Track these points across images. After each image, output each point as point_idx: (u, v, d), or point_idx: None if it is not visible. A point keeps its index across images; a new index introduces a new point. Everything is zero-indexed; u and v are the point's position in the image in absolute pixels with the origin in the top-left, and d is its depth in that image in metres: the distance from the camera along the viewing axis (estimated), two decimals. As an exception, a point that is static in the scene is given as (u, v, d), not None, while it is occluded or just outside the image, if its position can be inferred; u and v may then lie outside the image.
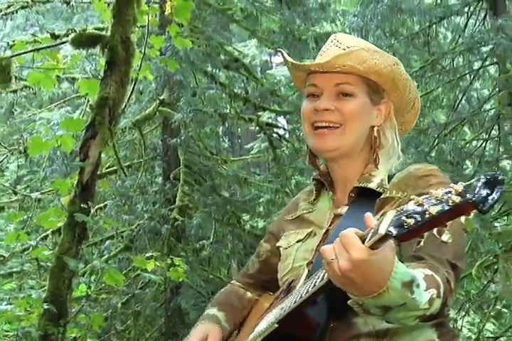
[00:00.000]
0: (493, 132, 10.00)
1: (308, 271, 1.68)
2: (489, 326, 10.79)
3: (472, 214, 1.12)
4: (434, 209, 1.12)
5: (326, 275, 1.40)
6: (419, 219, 1.14)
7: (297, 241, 1.82)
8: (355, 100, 1.72)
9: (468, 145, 9.98)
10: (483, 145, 9.98)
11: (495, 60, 9.75)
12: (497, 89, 9.89)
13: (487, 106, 10.42)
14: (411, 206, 1.17)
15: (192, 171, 9.82)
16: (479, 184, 1.10)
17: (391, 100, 1.79)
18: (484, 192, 1.08)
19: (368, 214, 1.30)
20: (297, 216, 1.90)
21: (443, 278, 1.46)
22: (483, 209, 1.08)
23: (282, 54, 1.84)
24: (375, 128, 1.77)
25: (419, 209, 1.14)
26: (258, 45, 11.59)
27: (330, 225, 1.77)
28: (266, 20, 11.61)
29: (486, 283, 9.38)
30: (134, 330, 9.46)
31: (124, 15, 4.14)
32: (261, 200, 10.78)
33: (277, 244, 1.92)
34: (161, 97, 9.79)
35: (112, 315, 8.99)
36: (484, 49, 9.85)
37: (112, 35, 4.14)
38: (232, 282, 2.09)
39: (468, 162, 10.24)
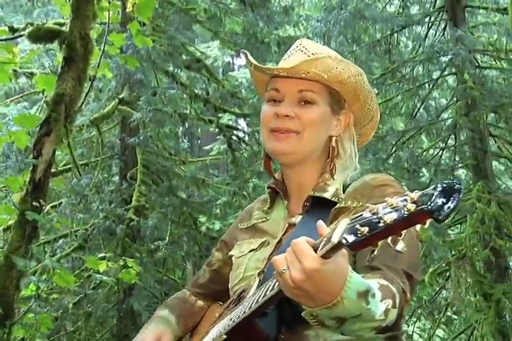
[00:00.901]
0: (450, 141, 10.15)
1: (260, 280, 1.65)
2: (439, 332, 10.93)
3: (428, 223, 1.09)
4: (388, 218, 1.09)
5: (277, 285, 1.36)
6: (373, 227, 1.11)
7: (250, 251, 1.78)
8: (316, 108, 1.70)
9: (425, 153, 10.11)
10: (440, 153, 10.13)
11: (453, 70, 9.90)
12: (455, 99, 10.04)
13: (444, 116, 10.57)
14: (365, 214, 1.14)
15: (149, 171, 9.74)
16: (435, 192, 1.07)
17: (351, 111, 1.77)
18: (440, 201, 1.06)
19: (320, 223, 1.27)
20: (251, 225, 1.87)
21: (398, 288, 1.43)
22: (438, 218, 1.05)
23: (246, 55, 1.80)
24: (334, 138, 1.75)
25: (373, 217, 1.12)
26: (221, 46, 11.56)
27: (284, 235, 1.74)
28: (229, 22, 11.59)
29: (437, 289, 9.51)
30: (84, 331, 9.32)
31: (83, 11, 4.06)
32: (218, 202, 10.74)
33: (230, 253, 1.88)
34: (121, 96, 9.68)
35: (63, 316, 8.84)
36: (443, 59, 9.99)
37: (71, 30, 4.06)
38: (183, 290, 2.03)
39: (424, 170, 10.37)
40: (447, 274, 9.12)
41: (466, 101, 9.34)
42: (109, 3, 4.66)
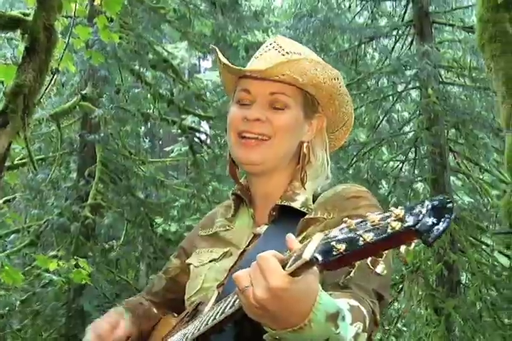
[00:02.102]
0: (410, 154, 10.24)
1: (219, 293, 1.54)
2: (389, 344, 10.99)
3: (413, 245, 0.97)
4: (369, 236, 0.96)
5: (238, 302, 1.24)
6: (351, 245, 0.98)
7: (210, 261, 1.66)
8: (288, 112, 1.59)
9: (385, 165, 10.17)
10: (400, 166, 10.21)
11: (418, 84, 10.00)
12: (417, 113, 10.14)
13: (406, 129, 10.67)
14: (342, 230, 1.02)
15: (108, 169, 9.60)
16: (424, 210, 0.94)
17: (325, 115, 1.66)
18: (430, 221, 0.93)
19: (290, 236, 1.14)
20: (213, 232, 1.74)
21: (368, 309, 1.32)
22: (427, 240, 0.92)
23: (217, 53, 1.69)
24: (305, 144, 1.64)
25: (351, 234, 0.99)
26: (188, 47, 11.48)
27: (248, 245, 1.62)
28: (198, 24, 11.52)
29: (390, 301, 9.55)
30: (31, 330, 9.12)
31: (48, 1, 3.95)
32: (176, 204, 10.65)
33: (187, 261, 1.75)
34: (84, 92, 9.54)
35: (9, 313, 8.64)
36: (409, 72, 10.08)
37: (34, 20, 3.94)
38: (139, 294, 1.91)
39: (383, 182, 10.43)
40: (400, 286, 9.18)
41: (429, 116, 9.44)
42: (76, -6, 4.56)
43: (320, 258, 1.01)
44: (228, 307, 1.29)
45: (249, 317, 1.19)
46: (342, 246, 0.99)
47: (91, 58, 5.37)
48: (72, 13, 4.80)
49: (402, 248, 0.97)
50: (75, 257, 6.04)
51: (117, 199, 9.44)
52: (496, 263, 9.12)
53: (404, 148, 10.10)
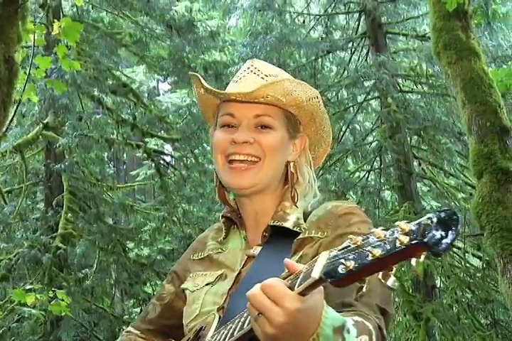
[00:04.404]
0: (375, 163, 10.35)
1: (220, 317, 1.52)
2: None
3: (423, 257, 1.00)
4: (378, 251, 0.99)
5: (246, 324, 1.26)
6: (360, 261, 1.01)
7: (206, 284, 1.64)
8: (274, 133, 1.60)
9: (351, 175, 10.26)
10: (366, 176, 10.31)
11: (377, 94, 10.14)
12: (379, 122, 10.27)
13: (370, 139, 10.78)
14: (349, 247, 1.05)
15: (76, 198, 9.52)
16: (432, 223, 0.98)
17: (306, 134, 1.68)
18: (438, 234, 0.96)
19: (288, 261, 1.19)
20: (205, 256, 1.72)
21: (374, 325, 1.34)
22: (438, 253, 0.96)
23: (198, 78, 1.64)
24: (292, 164, 1.65)
25: (360, 250, 1.02)
26: (146, 70, 11.49)
27: (243, 267, 1.61)
28: (155, 47, 11.55)
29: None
30: (8, 366, 8.94)
31: (7, 33, 3.93)
32: (147, 228, 10.58)
33: (183, 286, 1.72)
34: (45, 121, 9.48)
35: (-15, 351, 8.48)
36: (367, 83, 10.23)
37: (-5, 53, 3.93)
38: (128, 329, 1.84)
39: (351, 192, 10.51)
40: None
41: (390, 124, 9.58)
42: (34, 25, 4.55)
43: (330, 275, 1.03)
44: (237, 330, 1.30)
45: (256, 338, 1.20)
46: (351, 263, 1.01)
47: (52, 87, 5.34)
48: (30, 43, 4.79)
49: (413, 260, 1.00)
50: (53, 289, 5.95)
51: (88, 227, 9.35)
52: (468, 265, 9.24)
53: (369, 158, 10.20)
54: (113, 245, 9.47)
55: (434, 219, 0.98)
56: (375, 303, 1.40)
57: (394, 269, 1.02)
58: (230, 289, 1.57)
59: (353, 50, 11.00)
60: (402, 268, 8.90)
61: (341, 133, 10.56)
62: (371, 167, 10.30)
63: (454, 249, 9.57)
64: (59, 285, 8.16)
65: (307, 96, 1.61)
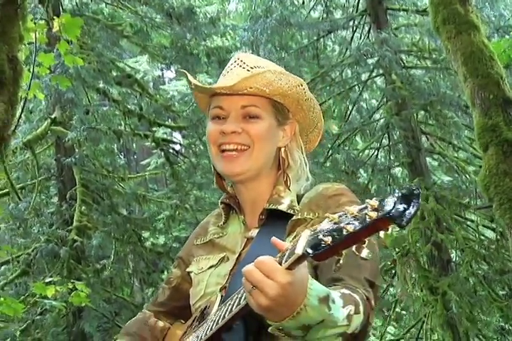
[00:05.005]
0: (384, 141, 10.36)
1: (222, 296, 1.63)
2: (390, 329, 11.10)
3: (390, 229, 1.10)
4: (351, 226, 1.10)
5: (243, 299, 1.37)
6: (336, 236, 1.11)
7: (210, 267, 1.76)
8: (261, 122, 1.70)
9: (360, 154, 10.28)
10: (375, 153, 10.32)
11: (381, 71, 10.12)
12: (385, 100, 10.26)
13: (376, 116, 10.77)
14: (327, 224, 1.15)
15: (89, 190, 9.60)
16: (395, 199, 1.08)
17: (296, 120, 1.78)
18: (401, 207, 1.07)
19: (275, 239, 1.29)
20: (207, 240, 1.84)
21: (362, 296, 1.45)
22: (401, 224, 1.06)
23: (186, 76, 1.78)
24: (282, 149, 1.76)
25: (335, 226, 1.13)
26: (150, 60, 11.51)
27: (243, 249, 1.72)
28: (156, 36, 11.56)
29: (385, 287, 9.66)
30: (34, 358, 9.09)
31: (9, 33, 3.98)
32: (161, 217, 10.68)
33: (188, 270, 1.85)
34: (53, 116, 9.54)
35: (11, 344, 8.62)
36: (370, 61, 10.20)
37: (-2, 53, 3.99)
38: (143, 310, 1.98)
39: (361, 170, 10.54)
40: (393, 271, 9.29)
41: (396, 101, 9.56)
42: (34, 23, 4.59)
43: (310, 251, 1.14)
44: (235, 305, 1.41)
45: (255, 315, 1.32)
46: (329, 239, 1.12)
47: (57, 83, 5.39)
48: (32, 41, 4.84)
49: (381, 233, 1.11)
50: (72, 281, 6.06)
51: (102, 218, 9.45)
52: (482, 237, 9.27)
53: (377, 136, 10.20)
54: (128, 235, 9.57)
55: (398, 195, 1.08)
56: (363, 277, 1.52)
57: (366, 242, 1.13)
58: (231, 270, 1.68)
59: (354, 28, 10.96)
60: (418, 244, 8.96)
61: (348, 112, 10.57)
62: (380, 144, 10.30)
63: (468, 222, 9.61)
64: (78, 277, 8.27)
65: (290, 85, 1.70)
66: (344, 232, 1.11)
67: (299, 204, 1.70)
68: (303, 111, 1.78)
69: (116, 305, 9.41)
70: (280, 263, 1.24)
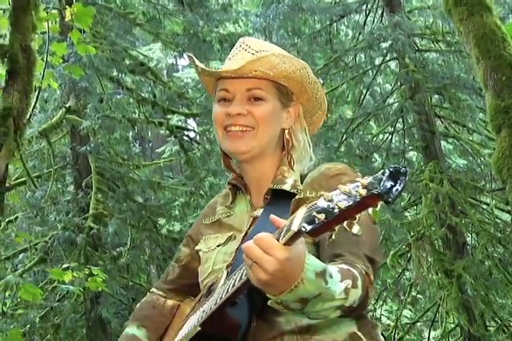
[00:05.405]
0: (398, 125, 10.33)
1: (228, 273, 1.68)
2: (406, 312, 11.14)
3: (379, 206, 1.16)
4: (343, 204, 1.16)
5: (244, 275, 1.42)
6: (329, 213, 1.17)
7: (218, 246, 1.83)
8: (266, 104, 1.76)
9: (375, 138, 10.26)
10: (389, 138, 10.30)
11: (394, 55, 10.07)
12: (399, 84, 10.22)
13: (390, 100, 10.74)
14: (321, 202, 1.20)
15: (104, 178, 9.68)
16: (384, 177, 1.14)
17: (300, 102, 1.83)
18: (388, 184, 1.13)
19: (273, 217, 1.34)
20: (215, 220, 1.90)
21: (360, 271, 1.50)
22: (388, 200, 1.12)
23: (193, 60, 1.84)
24: (286, 131, 1.81)
25: (329, 204, 1.18)
26: (163, 48, 11.52)
27: (249, 228, 1.79)
28: (169, 23, 11.57)
29: (400, 271, 9.69)
30: (54, 344, 9.22)
31: (22, 23, 4.02)
32: (176, 204, 10.74)
33: (196, 248, 1.91)
34: (67, 105, 9.60)
35: (31, 330, 8.74)
36: (384, 45, 10.16)
37: (11, 43, 4.02)
38: (151, 290, 2.05)
39: (376, 155, 10.53)
40: (408, 255, 9.31)
41: (410, 85, 9.53)
42: (47, 13, 4.63)
43: (306, 227, 1.20)
44: (237, 280, 1.48)
45: (258, 290, 1.39)
46: (322, 215, 1.18)
47: (71, 72, 5.44)
48: (45, 31, 4.88)
49: (370, 210, 1.17)
50: (88, 266, 6.14)
51: (118, 206, 9.52)
52: (497, 220, 9.25)
53: (391, 120, 10.18)
54: (144, 222, 9.65)
55: (386, 173, 1.15)
56: (362, 253, 1.58)
57: (357, 218, 1.19)
58: (237, 248, 1.74)
59: (367, 12, 10.89)
60: (432, 228, 8.96)
61: (362, 96, 10.54)
62: (394, 128, 10.28)
63: (483, 205, 9.59)
64: (95, 264, 8.34)
65: (294, 68, 1.76)
66: (336, 209, 1.17)
67: (302, 183, 1.76)
68: (307, 93, 1.82)
69: (133, 291, 9.51)
70: (278, 240, 1.30)
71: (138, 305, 2.03)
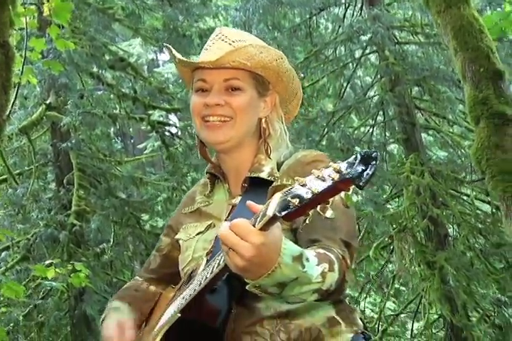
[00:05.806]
0: (379, 117, 10.38)
1: (207, 260, 1.70)
2: (389, 304, 11.21)
3: (351, 190, 1.19)
4: (316, 188, 1.18)
5: (222, 261, 1.44)
6: (302, 198, 1.20)
7: (197, 234, 1.85)
8: (243, 94, 1.78)
9: (356, 131, 10.30)
10: (370, 130, 10.34)
11: (374, 48, 10.11)
12: (379, 76, 10.26)
13: (371, 93, 10.78)
14: (296, 187, 1.23)
15: (86, 175, 9.63)
16: (355, 161, 1.17)
17: (276, 91, 1.85)
18: (360, 168, 1.15)
19: (250, 203, 1.36)
20: (195, 209, 1.92)
21: (337, 255, 1.53)
22: (359, 185, 1.15)
23: (170, 50, 1.86)
24: (263, 120, 1.83)
25: (302, 189, 1.21)
26: (143, 43, 11.48)
27: (228, 216, 1.80)
28: (148, 18, 11.51)
29: (383, 263, 9.75)
30: (38, 342, 9.18)
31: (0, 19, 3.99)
32: (159, 199, 10.72)
33: (176, 237, 1.93)
34: (47, 101, 9.54)
35: (14, 329, 8.70)
36: (363, 38, 10.19)
37: (-12, 39, 3.99)
38: (135, 278, 2.07)
39: (357, 148, 10.55)
40: (391, 247, 9.37)
41: (390, 77, 9.57)
42: (24, 8, 4.59)
43: (280, 212, 1.22)
44: (215, 267, 1.50)
45: (236, 276, 1.41)
46: (296, 200, 1.21)
47: (50, 68, 5.40)
48: (23, 27, 4.84)
49: (342, 193, 1.19)
50: (71, 262, 6.12)
51: (100, 202, 9.49)
52: (478, 211, 9.33)
53: (372, 113, 10.22)
54: (127, 218, 9.62)
55: (358, 158, 1.18)
56: (338, 237, 1.61)
57: (331, 202, 1.22)
58: (216, 236, 1.73)
59: (346, 5, 10.92)
60: (414, 220, 9.02)
61: (342, 90, 10.57)
62: (375, 121, 10.33)
63: (464, 197, 9.66)
64: (78, 261, 8.31)
65: (271, 58, 1.78)
66: (309, 194, 1.19)
67: (279, 171, 1.78)
68: (283, 82, 1.85)
69: (117, 288, 9.46)
70: (254, 225, 1.32)
71: (120, 289, 2.04)
